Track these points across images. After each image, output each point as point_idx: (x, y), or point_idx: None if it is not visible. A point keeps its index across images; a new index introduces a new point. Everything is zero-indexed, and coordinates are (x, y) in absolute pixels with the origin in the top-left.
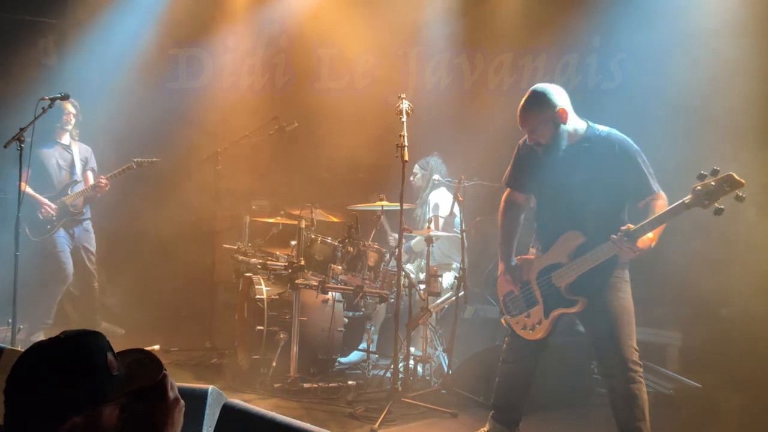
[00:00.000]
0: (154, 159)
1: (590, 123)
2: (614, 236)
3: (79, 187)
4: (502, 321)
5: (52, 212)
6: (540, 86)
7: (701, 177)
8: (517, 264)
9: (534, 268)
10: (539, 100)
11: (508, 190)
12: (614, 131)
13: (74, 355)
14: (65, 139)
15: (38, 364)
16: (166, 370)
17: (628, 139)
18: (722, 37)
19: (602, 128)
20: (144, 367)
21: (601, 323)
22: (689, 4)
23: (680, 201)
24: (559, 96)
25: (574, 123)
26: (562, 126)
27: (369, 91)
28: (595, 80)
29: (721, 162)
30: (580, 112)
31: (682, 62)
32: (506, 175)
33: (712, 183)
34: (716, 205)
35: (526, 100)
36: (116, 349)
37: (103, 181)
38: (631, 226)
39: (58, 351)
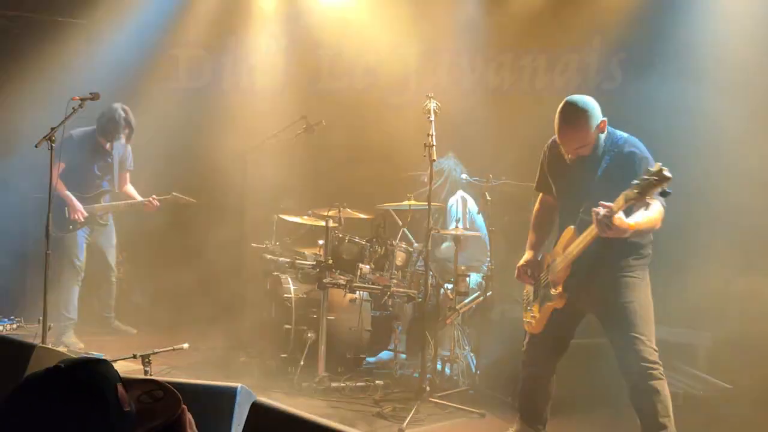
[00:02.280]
0: (193, 200)
1: (609, 129)
2: (595, 212)
3: (108, 198)
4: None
5: (82, 218)
6: (580, 99)
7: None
8: (539, 259)
9: (545, 263)
10: (585, 114)
11: (540, 194)
12: (631, 140)
13: (80, 389)
14: (108, 144)
15: (36, 402)
16: (184, 404)
17: (637, 148)
18: (725, 35)
19: (621, 135)
20: (158, 402)
21: (618, 322)
22: (690, 3)
23: (622, 194)
24: (598, 107)
25: None
26: (601, 136)
27: (393, 90)
28: (595, 80)
29: (721, 162)
30: None
31: (682, 62)
32: (536, 180)
33: (645, 177)
34: (647, 198)
35: (570, 115)
36: (133, 349)
37: (155, 203)
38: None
39: (60, 385)
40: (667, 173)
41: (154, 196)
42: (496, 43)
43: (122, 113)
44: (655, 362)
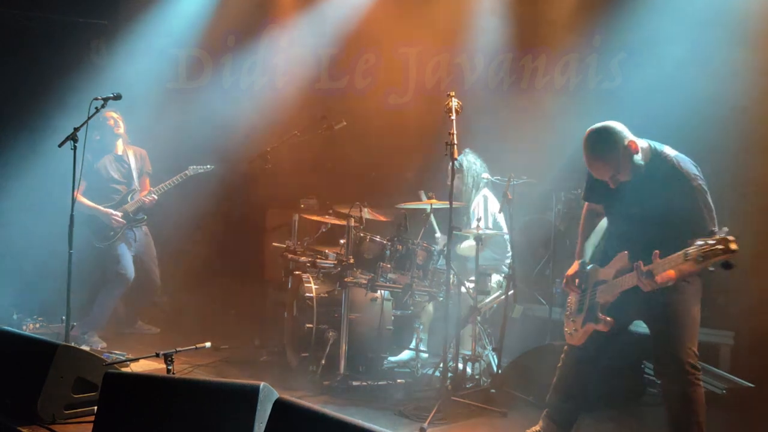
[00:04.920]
0: (209, 166)
1: (652, 145)
2: (636, 266)
3: (137, 195)
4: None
5: (120, 222)
6: (601, 129)
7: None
8: (587, 271)
9: (593, 278)
10: (608, 144)
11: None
12: (681, 157)
13: None
14: (119, 148)
15: None
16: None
17: (692, 170)
18: (725, 34)
19: (668, 152)
20: None
21: (661, 323)
22: (690, 2)
23: (681, 252)
24: (622, 131)
25: (641, 147)
26: (635, 157)
27: (412, 89)
28: (595, 80)
29: (722, 163)
30: (581, 112)
31: (682, 62)
32: (583, 191)
33: (710, 244)
34: (710, 267)
35: (592, 148)
36: (155, 348)
37: (148, 198)
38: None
39: None
40: (734, 246)
41: (151, 190)
42: (496, 43)
43: (105, 114)
44: (693, 366)
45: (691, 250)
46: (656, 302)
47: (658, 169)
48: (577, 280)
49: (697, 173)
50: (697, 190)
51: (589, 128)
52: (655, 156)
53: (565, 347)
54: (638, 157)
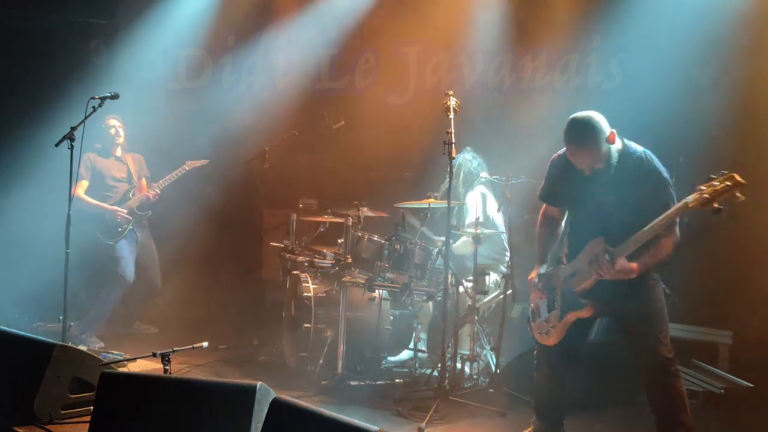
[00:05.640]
0: (205, 161)
1: (625, 141)
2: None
3: (136, 192)
4: (529, 329)
5: (126, 217)
6: (586, 118)
7: (708, 180)
8: (549, 272)
9: (562, 275)
10: (593, 133)
11: (544, 204)
12: (648, 153)
13: None
14: (118, 152)
15: None
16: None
17: (660, 166)
18: (725, 35)
19: (636, 147)
20: None
21: (639, 322)
22: (690, 3)
23: (682, 201)
24: (604, 122)
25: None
26: (612, 147)
27: (412, 89)
28: (595, 80)
29: (721, 164)
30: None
31: (682, 62)
32: (540, 189)
33: (716, 183)
34: (715, 204)
35: (578, 136)
36: (153, 348)
37: (151, 192)
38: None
39: None
40: (739, 178)
41: (153, 184)
42: (496, 43)
43: (108, 123)
44: (672, 359)
45: (692, 197)
46: (635, 302)
47: (629, 161)
48: (540, 284)
49: (663, 167)
50: (666, 181)
51: (572, 117)
52: (626, 148)
53: (536, 353)
54: (614, 148)
